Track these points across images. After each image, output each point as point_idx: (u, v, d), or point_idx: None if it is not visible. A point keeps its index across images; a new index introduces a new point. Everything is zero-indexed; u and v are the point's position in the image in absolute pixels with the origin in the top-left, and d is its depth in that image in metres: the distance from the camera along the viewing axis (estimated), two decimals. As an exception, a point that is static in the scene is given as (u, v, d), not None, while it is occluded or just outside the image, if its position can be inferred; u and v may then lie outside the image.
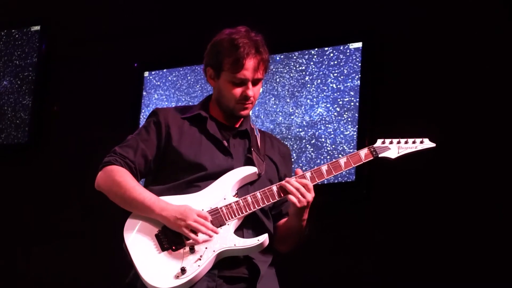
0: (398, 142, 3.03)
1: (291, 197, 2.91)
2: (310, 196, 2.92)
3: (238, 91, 2.99)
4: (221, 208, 2.91)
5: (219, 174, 2.97)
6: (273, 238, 3.00)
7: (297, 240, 3.06)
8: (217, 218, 2.90)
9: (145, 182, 3.06)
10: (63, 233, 5.19)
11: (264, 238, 2.88)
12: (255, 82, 3.00)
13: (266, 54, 3.00)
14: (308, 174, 2.96)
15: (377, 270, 4.27)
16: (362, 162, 3.00)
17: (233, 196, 2.95)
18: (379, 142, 3.03)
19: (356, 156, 3.00)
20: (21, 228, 5.33)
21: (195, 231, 2.85)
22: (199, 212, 2.87)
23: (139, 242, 2.87)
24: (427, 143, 3.03)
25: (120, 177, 2.94)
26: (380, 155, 3.00)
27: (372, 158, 3.01)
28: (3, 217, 5.41)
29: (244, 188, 2.99)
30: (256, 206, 2.93)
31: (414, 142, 3.03)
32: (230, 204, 2.92)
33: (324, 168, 2.98)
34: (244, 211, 2.92)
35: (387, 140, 3.03)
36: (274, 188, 2.95)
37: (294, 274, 4.03)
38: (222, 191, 2.94)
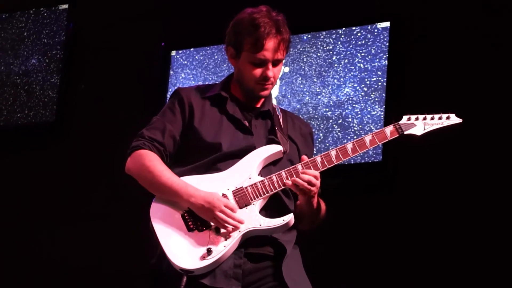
0: (424, 119, 2.98)
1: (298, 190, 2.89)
2: (318, 184, 2.89)
3: (258, 71, 2.96)
4: (246, 187, 2.90)
5: (239, 152, 2.95)
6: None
7: (314, 221, 3.04)
8: (242, 197, 2.89)
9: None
10: (90, 213, 5.21)
11: (289, 218, 2.87)
12: (275, 63, 2.96)
13: (287, 34, 2.95)
14: (333, 153, 2.93)
15: (401, 254, 4.26)
16: (387, 140, 2.96)
17: (258, 175, 2.94)
18: (404, 118, 2.99)
19: (382, 134, 2.96)
20: (48, 208, 5.37)
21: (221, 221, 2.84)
22: (227, 202, 2.85)
23: (165, 222, 2.87)
24: (454, 119, 2.97)
25: (149, 162, 2.92)
26: (405, 132, 2.96)
27: (397, 135, 2.96)
28: (30, 195, 5.45)
29: (267, 168, 2.97)
30: (281, 185, 2.91)
31: (440, 118, 2.98)
32: (255, 183, 2.90)
33: (349, 146, 2.94)
34: (269, 190, 2.90)
35: (413, 117, 2.98)
36: (299, 167, 2.92)
37: (316, 254, 4.02)
38: (247, 170, 2.93)
